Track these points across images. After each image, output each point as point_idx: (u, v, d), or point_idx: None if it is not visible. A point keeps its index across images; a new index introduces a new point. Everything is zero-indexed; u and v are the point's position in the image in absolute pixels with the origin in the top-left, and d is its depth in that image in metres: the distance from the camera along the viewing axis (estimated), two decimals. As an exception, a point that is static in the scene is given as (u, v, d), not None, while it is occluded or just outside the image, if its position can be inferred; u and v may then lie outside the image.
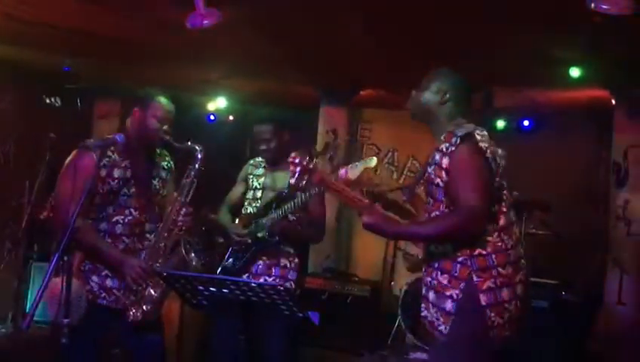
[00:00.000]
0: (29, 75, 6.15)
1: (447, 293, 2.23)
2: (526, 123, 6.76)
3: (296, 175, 3.12)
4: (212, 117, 7.51)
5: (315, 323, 2.33)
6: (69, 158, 2.73)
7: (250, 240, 3.29)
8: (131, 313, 2.66)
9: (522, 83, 5.60)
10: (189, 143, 2.81)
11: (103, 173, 2.65)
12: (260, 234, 3.25)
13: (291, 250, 3.35)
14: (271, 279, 3.28)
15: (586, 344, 4.91)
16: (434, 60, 4.78)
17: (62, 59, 5.52)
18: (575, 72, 4.79)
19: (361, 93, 6.47)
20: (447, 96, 2.38)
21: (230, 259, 3.37)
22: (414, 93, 2.47)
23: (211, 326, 3.47)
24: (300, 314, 2.26)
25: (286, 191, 3.27)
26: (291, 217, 3.28)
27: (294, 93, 6.70)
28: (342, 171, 3.12)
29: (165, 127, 2.77)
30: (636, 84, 5.11)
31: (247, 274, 3.30)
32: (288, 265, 3.33)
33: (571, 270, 5.65)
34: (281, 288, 2.19)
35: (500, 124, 6.66)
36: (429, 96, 2.41)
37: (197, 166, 2.81)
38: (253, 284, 2.24)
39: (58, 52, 5.38)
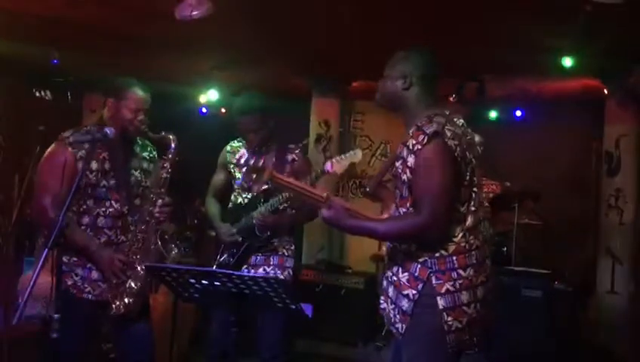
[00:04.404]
0: (18, 68, 6.08)
1: (405, 292, 2.17)
2: (518, 113, 6.78)
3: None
4: (204, 109, 7.46)
5: (308, 316, 2.30)
6: (48, 151, 2.70)
7: (241, 238, 3.25)
8: (114, 306, 2.65)
9: (514, 73, 5.59)
10: (163, 133, 2.78)
11: (80, 165, 2.60)
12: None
13: (287, 237, 3.33)
14: (270, 268, 3.26)
15: (578, 333, 4.94)
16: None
17: (50, 52, 5.46)
18: (567, 62, 4.78)
19: (354, 84, 6.45)
20: (410, 80, 2.25)
21: (224, 255, 3.33)
22: (380, 82, 2.33)
23: (205, 319, 3.44)
24: (294, 307, 2.24)
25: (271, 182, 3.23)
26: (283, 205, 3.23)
27: (286, 85, 6.67)
28: (327, 164, 3.08)
29: (141, 117, 2.73)
30: (628, 73, 5.11)
31: (245, 266, 3.27)
32: (286, 253, 3.31)
33: (563, 259, 5.67)
34: (273, 280, 2.17)
35: (493, 114, 6.67)
36: (393, 82, 2.28)
37: (171, 156, 2.77)
38: (245, 277, 2.22)
39: (46, 44, 5.32)
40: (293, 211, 3.27)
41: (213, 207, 3.45)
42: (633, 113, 5.26)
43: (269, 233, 3.20)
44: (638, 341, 4.87)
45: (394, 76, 2.29)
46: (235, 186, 3.37)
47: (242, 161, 3.32)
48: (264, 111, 3.25)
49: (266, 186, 3.13)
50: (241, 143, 3.38)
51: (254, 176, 2.46)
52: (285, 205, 3.20)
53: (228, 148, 3.43)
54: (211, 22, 3.87)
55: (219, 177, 3.47)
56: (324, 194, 2.27)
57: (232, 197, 3.40)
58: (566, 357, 4.44)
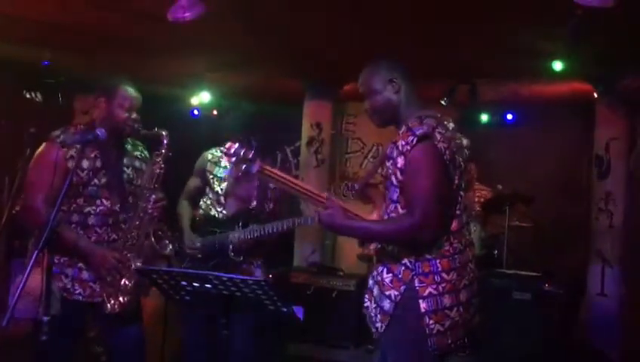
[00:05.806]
0: (8, 69, 6.05)
1: (387, 293, 2.18)
2: (509, 116, 6.81)
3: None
4: (196, 112, 7.45)
5: (299, 319, 2.29)
6: (38, 150, 2.70)
7: (200, 256, 3.18)
8: (109, 304, 2.64)
9: (506, 76, 5.62)
10: (156, 129, 2.78)
11: (71, 164, 2.59)
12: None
13: (258, 260, 3.29)
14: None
15: (569, 335, 4.96)
16: (419, 54, 4.81)
17: (41, 54, 5.43)
18: (558, 66, 4.81)
19: (346, 87, 6.45)
20: (398, 82, 2.27)
21: (189, 265, 3.24)
22: (368, 103, 2.33)
23: (182, 323, 3.38)
24: (285, 309, 2.23)
25: (254, 204, 3.19)
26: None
27: (279, 87, 6.66)
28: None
29: (134, 115, 2.74)
30: (618, 77, 5.15)
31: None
32: (254, 262, 3.28)
33: (554, 262, 5.70)
34: (264, 282, 2.17)
35: (484, 117, 6.70)
36: (382, 93, 2.29)
37: (163, 152, 2.77)
38: (236, 279, 2.22)
39: (37, 46, 5.30)
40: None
41: (186, 212, 3.35)
42: (623, 117, 5.30)
43: (242, 257, 3.18)
44: (628, 343, 4.90)
45: (379, 88, 2.29)
46: (210, 196, 3.30)
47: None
48: (252, 134, 3.22)
49: (241, 205, 3.07)
50: (223, 153, 3.34)
51: (243, 166, 2.42)
52: (267, 236, 3.11)
53: (209, 156, 3.36)
54: (204, 24, 3.86)
55: (194, 182, 3.39)
56: (326, 194, 2.27)
57: (203, 204, 3.33)
58: (556, 359, 4.46)
